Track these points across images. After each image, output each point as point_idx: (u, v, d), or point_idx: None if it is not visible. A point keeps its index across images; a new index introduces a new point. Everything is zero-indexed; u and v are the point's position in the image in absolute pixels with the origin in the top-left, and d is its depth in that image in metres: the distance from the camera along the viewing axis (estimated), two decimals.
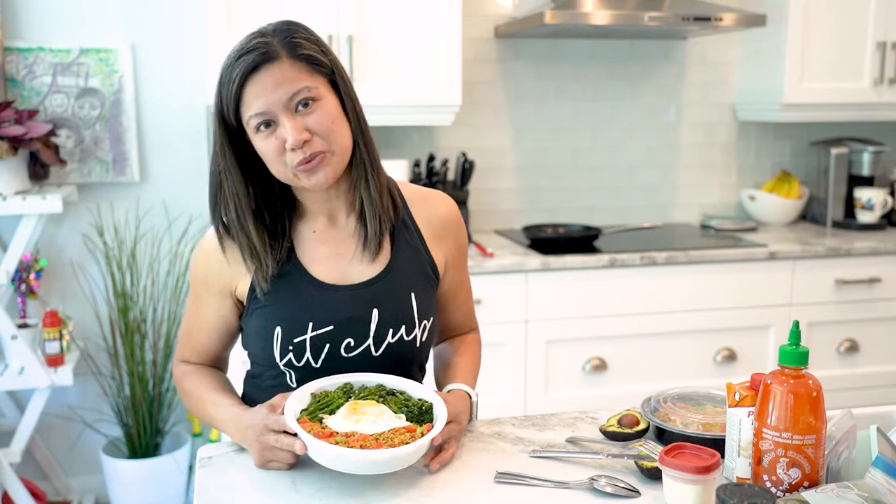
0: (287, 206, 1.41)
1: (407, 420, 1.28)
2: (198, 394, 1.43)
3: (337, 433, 1.22)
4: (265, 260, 1.36)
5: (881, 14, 3.16)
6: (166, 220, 3.03)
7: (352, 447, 1.18)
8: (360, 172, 1.38)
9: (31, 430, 2.69)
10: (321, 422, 1.25)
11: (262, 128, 1.29)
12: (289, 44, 1.29)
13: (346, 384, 1.33)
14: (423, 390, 1.33)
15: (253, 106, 1.28)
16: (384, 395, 1.32)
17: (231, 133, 1.33)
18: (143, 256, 3.01)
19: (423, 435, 1.23)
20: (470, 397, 1.44)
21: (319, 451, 1.19)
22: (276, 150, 1.29)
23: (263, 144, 1.30)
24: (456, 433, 1.31)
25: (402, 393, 1.33)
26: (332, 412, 1.27)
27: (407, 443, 1.20)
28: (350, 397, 1.31)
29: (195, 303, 1.45)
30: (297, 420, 1.24)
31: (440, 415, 1.27)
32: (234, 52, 1.30)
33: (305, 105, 1.29)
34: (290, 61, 1.29)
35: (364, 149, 1.37)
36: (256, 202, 1.37)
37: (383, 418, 1.25)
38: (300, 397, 1.29)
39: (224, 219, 1.37)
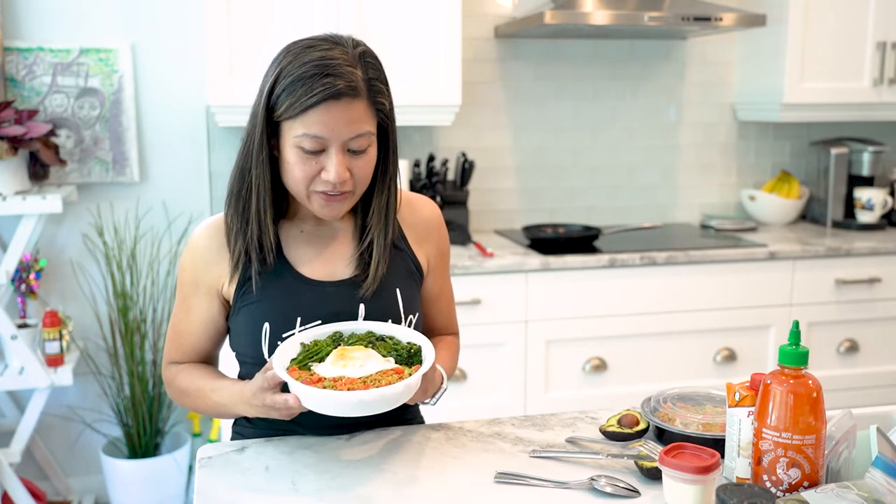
0: (277, 204, 1.42)
1: (396, 363, 1.28)
2: (195, 386, 1.43)
3: (325, 378, 1.22)
4: (268, 255, 1.38)
5: (881, 14, 3.16)
6: (166, 220, 3.03)
7: (339, 390, 1.19)
8: (380, 218, 1.41)
9: (30, 430, 2.69)
10: (310, 370, 1.26)
11: (307, 149, 1.29)
12: (371, 85, 1.31)
13: (335, 332, 1.34)
14: (412, 334, 1.34)
15: (315, 127, 1.28)
16: (373, 342, 1.33)
17: (271, 127, 1.33)
18: (142, 256, 3.01)
19: (410, 376, 1.23)
20: (442, 378, 1.42)
21: (307, 396, 1.19)
22: (309, 174, 1.31)
23: (299, 162, 1.30)
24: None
25: (391, 338, 1.34)
26: (321, 360, 1.28)
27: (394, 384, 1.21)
28: (339, 345, 1.32)
29: (183, 305, 1.46)
30: (287, 370, 1.25)
31: (428, 356, 1.28)
32: (319, 64, 1.27)
33: (358, 149, 1.31)
34: (366, 104, 1.31)
35: (387, 199, 1.41)
36: (275, 199, 1.37)
37: (371, 362, 1.26)
38: (290, 347, 1.30)
39: (239, 209, 1.37)
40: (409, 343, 1.32)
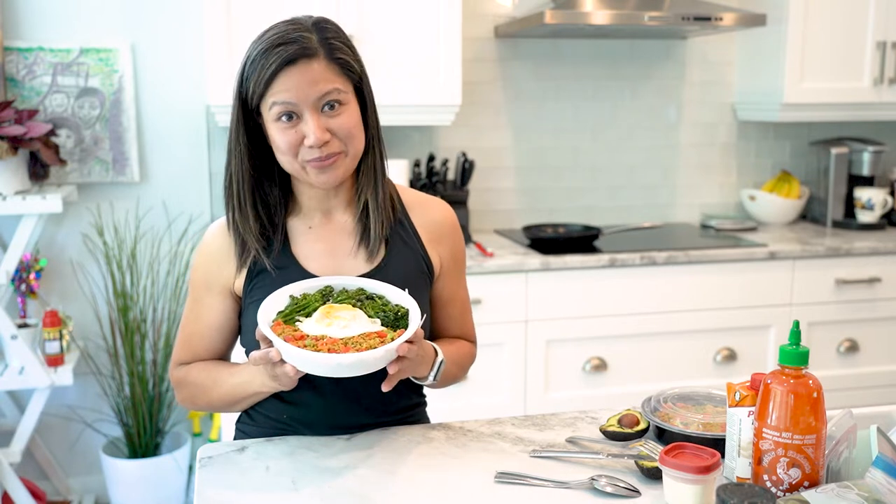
0: (283, 200, 1.43)
1: (382, 325, 1.28)
2: (211, 377, 1.43)
3: (307, 336, 1.23)
4: (256, 247, 1.38)
5: (881, 14, 3.16)
6: (166, 220, 3.03)
7: (319, 350, 1.19)
8: (369, 178, 1.42)
9: (31, 430, 2.69)
10: (295, 323, 1.27)
11: (284, 119, 1.31)
12: (327, 44, 1.33)
13: (326, 287, 1.34)
14: (402, 296, 1.33)
15: (282, 95, 1.30)
16: (363, 300, 1.32)
17: (246, 115, 1.36)
18: (143, 256, 3.01)
19: (393, 340, 1.23)
20: (435, 351, 1.39)
21: (287, 353, 1.20)
22: (292, 143, 1.32)
23: (280, 135, 1.32)
24: (412, 353, 1.26)
25: (380, 298, 1.34)
26: (308, 314, 1.28)
27: (375, 348, 1.20)
28: (328, 300, 1.31)
29: (196, 306, 1.46)
30: (273, 321, 1.26)
31: (413, 321, 1.27)
32: (272, 38, 1.31)
33: (332, 107, 1.33)
34: (326, 62, 1.32)
35: (377, 156, 1.43)
36: (257, 187, 1.39)
37: (356, 322, 1.26)
38: (278, 299, 1.30)
39: (228, 201, 1.39)
40: (397, 305, 1.32)
